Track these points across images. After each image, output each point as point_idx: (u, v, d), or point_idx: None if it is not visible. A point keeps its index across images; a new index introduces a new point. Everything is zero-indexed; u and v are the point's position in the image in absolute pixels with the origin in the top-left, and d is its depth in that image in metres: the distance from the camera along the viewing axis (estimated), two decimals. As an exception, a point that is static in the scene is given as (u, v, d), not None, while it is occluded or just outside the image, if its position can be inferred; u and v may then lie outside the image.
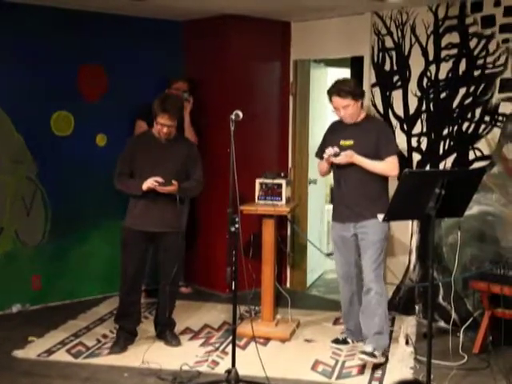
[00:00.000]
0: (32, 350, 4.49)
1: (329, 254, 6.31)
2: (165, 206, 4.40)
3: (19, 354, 4.44)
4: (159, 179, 4.29)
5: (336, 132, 4.48)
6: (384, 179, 4.39)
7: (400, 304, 5.29)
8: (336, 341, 4.64)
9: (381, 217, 3.76)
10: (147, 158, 4.42)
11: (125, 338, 4.51)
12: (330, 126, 4.63)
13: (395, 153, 4.35)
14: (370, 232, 4.32)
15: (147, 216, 4.40)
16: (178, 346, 4.58)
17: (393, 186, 3.95)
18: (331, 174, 4.57)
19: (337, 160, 4.29)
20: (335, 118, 6.47)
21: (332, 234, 4.60)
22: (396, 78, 5.25)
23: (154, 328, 4.70)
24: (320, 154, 4.52)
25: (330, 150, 4.29)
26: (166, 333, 4.62)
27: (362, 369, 4.22)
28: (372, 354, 4.21)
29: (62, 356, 4.41)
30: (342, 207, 4.43)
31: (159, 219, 4.41)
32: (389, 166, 4.31)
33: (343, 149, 4.32)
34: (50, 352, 4.47)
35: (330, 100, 4.35)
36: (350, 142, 4.35)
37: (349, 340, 4.61)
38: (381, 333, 4.28)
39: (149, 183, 4.30)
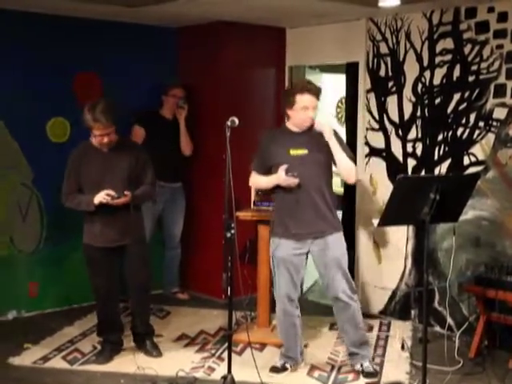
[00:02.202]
0: (28, 357, 4.48)
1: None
2: (124, 219, 4.24)
3: (15, 360, 4.43)
4: (111, 192, 4.12)
5: (279, 141, 4.11)
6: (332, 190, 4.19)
7: (396, 309, 5.30)
8: (274, 369, 4.27)
9: (375, 222, 3.74)
10: (93, 171, 4.22)
11: (110, 349, 4.45)
12: (267, 135, 4.25)
13: (353, 157, 4.17)
14: (334, 247, 4.10)
15: (108, 233, 4.26)
16: (158, 356, 4.47)
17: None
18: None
19: (326, 132, 3.96)
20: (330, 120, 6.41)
21: (279, 253, 4.13)
22: (391, 83, 5.27)
23: (132, 337, 4.58)
24: (261, 168, 4.15)
25: (289, 177, 3.96)
26: (146, 342, 4.52)
27: (357, 374, 4.22)
28: (375, 371, 4.18)
29: (57, 363, 4.41)
30: (298, 223, 4.06)
31: (121, 233, 4.27)
32: (353, 166, 4.07)
33: (295, 158, 4.02)
34: (45, 359, 4.47)
35: (294, 98, 3.99)
36: (303, 151, 4.04)
37: (287, 366, 4.28)
38: (366, 341, 4.26)
39: (100, 198, 4.11)
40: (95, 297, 4.45)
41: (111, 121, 4.12)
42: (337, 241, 4.13)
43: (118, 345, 4.52)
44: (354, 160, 4.20)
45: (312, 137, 4.06)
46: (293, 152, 4.06)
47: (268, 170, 4.15)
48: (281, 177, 4.01)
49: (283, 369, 4.28)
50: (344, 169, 4.07)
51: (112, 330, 4.47)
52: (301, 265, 4.20)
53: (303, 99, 4.00)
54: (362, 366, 4.20)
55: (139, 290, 4.45)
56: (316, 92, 4.04)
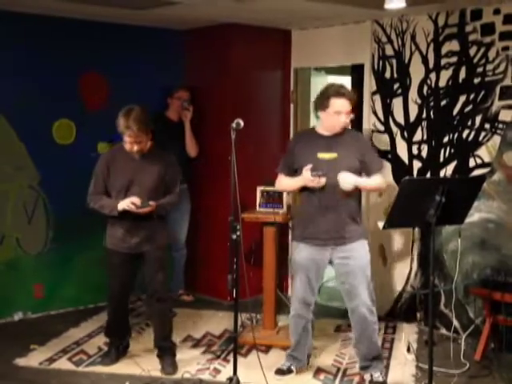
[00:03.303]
0: (34, 358, 4.50)
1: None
2: (146, 227, 4.23)
3: (21, 362, 4.45)
4: (136, 201, 4.10)
5: (308, 144, 4.05)
6: (359, 197, 4.17)
7: (401, 311, 5.29)
8: (279, 371, 4.27)
9: (381, 224, 3.72)
10: (122, 176, 4.20)
11: (116, 351, 4.45)
12: (297, 137, 4.23)
13: (382, 168, 4.19)
14: (357, 256, 4.02)
15: (130, 239, 4.22)
16: (172, 374, 4.27)
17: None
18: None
19: (345, 187, 3.89)
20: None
21: (299, 256, 4.11)
22: (396, 85, 5.27)
23: (156, 349, 4.47)
24: (288, 170, 4.12)
25: (314, 176, 3.89)
26: (165, 358, 4.36)
27: (363, 377, 4.21)
28: (384, 382, 4.12)
29: (63, 364, 4.42)
30: (319, 227, 4.00)
31: (142, 241, 4.25)
32: (382, 183, 4.07)
33: (324, 162, 3.96)
34: (51, 360, 4.48)
35: (328, 101, 3.94)
36: (332, 155, 3.97)
37: (293, 368, 4.28)
38: (379, 356, 4.19)
39: (124, 205, 4.09)
40: (108, 298, 4.45)
41: (143, 129, 4.07)
42: (360, 249, 4.04)
43: (124, 347, 4.53)
44: (381, 169, 4.20)
45: (342, 142, 4.01)
46: (321, 155, 3.99)
47: (294, 173, 4.10)
48: (306, 177, 3.95)
49: (288, 371, 4.28)
50: (375, 189, 4.33)
51: (120, 331, 4.48)
52: (322, 270, 4.14)
53: (337, 103, 3.94)
54: (371, 376, 4.13)
55: (156, 300, 4.35)
56: (350, 97, 3.98)
